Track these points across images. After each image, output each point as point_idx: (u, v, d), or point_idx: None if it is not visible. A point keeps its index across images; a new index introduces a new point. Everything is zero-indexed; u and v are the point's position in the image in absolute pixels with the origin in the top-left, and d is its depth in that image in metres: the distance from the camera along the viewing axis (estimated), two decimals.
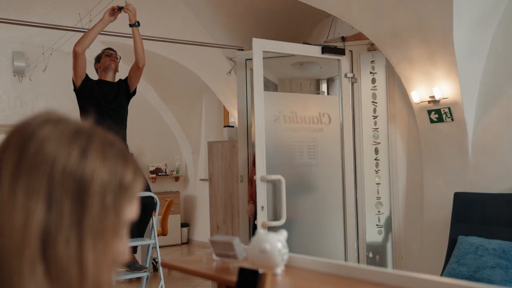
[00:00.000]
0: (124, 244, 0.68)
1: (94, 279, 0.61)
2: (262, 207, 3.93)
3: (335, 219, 4.45)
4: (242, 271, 1.30)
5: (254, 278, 1.26)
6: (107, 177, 0.63)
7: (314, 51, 4.39)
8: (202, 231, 8.15)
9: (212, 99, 7.73)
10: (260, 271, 1.26)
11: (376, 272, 1.30)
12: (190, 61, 6.39)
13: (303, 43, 4.49)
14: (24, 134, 0.62)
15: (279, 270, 1.41)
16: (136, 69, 3.94)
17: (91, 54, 4.31)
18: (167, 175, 8.66)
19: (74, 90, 3.86)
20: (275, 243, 1.39)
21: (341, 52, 4.43)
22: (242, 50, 4.95)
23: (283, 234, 1.44)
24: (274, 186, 4.18)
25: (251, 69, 4.65)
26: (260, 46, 4.21)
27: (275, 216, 4.07)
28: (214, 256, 1.65)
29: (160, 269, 3.96)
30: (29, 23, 4.42)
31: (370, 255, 4.37)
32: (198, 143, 8.45)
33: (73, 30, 4.59)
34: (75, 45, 3.66)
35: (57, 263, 0.59)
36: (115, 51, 4.04)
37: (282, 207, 3.93)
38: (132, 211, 0.68)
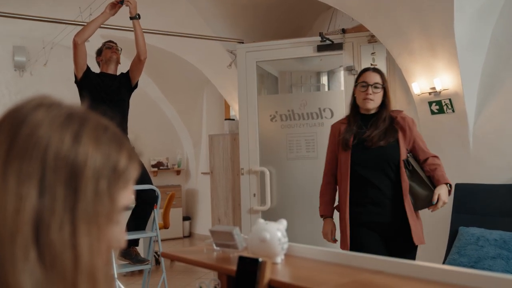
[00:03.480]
0: (119, 230, 0.67)
1: (88, 265, 0.61)
2: (254, 194, 4.59)
3: None
4: (242, 260, 1.31)
5: (253, 266, 1.27)
6: (100, 162, 0.62)
7: (308, 51, 4.46)
8: (204, 224, 8.17)
9: (213, 92, 7.72)
10: (260, 259, 1.26)
11: (375, 260, 1.30)
12: (191, 55, 6.39)
13: (320, 33, 4.46)
14: (16, 119, 0.62)
15: (279, 259, 1.42)
16: (138, 62, 3.94)
17: (92, 48, 4.31)
18: (169, 168, 8.68)
19: (75, 81, 3.87)
20: (275, 232, 1.40)
21: (338, 47, 4.42)
22: (243, 43, 4.95)
23: (283, 223, 1.45)
24: (271, 176, 4.63)
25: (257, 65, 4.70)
26: (254, 58, 4.54)
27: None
28: (215, 246, 1.65)
29: (162, 261, 3.97)
30: (30, 17, 4.42)
31: None
32: (200, 137, 8.46)
33: (73, 24, 4.59)
34: (75, 35, 3.67)
35: (51, 248, 0.58)
36: (115, 43, 4.04)
37: (267, 195, 4.55)
38: (127, 197, 0.67)
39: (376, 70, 2.78)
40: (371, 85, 2.68)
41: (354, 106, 2.77)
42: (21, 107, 0.64)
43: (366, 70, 2.80)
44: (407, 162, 2.67)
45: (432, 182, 2.68)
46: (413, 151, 2.74)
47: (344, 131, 2.75)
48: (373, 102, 2.68)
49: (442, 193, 2.60)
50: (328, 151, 2.88)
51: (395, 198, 2.63)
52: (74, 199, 0.60)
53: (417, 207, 2.67)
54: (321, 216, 2.87)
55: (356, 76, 4.44)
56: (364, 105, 2.70)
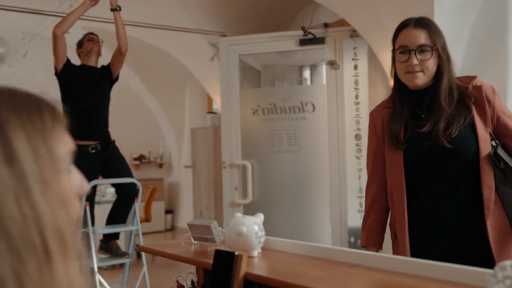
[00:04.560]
0: (75, 177, 0.69)
1: (52, 222, 0.62)
2: (236, 188, 4.57)
3: (321, 204, 4.51)
4: (218, 254, 1.31)
5: (230, 260, 1.27)
6: (28, 127, 0.64)
7: (290, 45, 4.50)
8: (186, 218, 8.16)
9: (196, 86, 7.70)
10: (236, 253, 1.27)
11: (351, 254, 1.32)
12: (173, 48, 6.35)
13: (302, 28, 4.47)
14: None
15: (256, 252, 1.43)
16: (119, 54, 3.92)
17: (72, 39, 4.27)
18: (151, 162, 8.64)
19: (55, 74, 3.84)
20: (252, 226, 1.41)
21: (320, 41, 4.44)
22: (225, 36, 4.94)
23: (260, 217, 1.46)
24: (253, 170, 4.62)
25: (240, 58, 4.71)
26: (236, 51, 4.57)
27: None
28: (193, 240, 1.66)
29: (143, 255, 3.96)
30: (9, 8, 4.35)
31: (352, 239, 4.42)
32: (182, 130, 8.44)
33: (53, 15, 4.53)
34: (55, 27, 3.65)
35: (13, 224, 0.59)
36: (96, 35, 4.01)
37: (248, 188, 4.55)
38: (66, 143, 0.68)
39: (420, 24, 1.79)
40: (415, 51, 1.75)
41: (398, 81, 1.86)
42: None
43: (404, 26, 1.82)
44: (495, 157, 1.73)
45: None
46: (499, 135, 1.79)
47: (389, 120, 1.86)
48: (423, 75, 1.77)
49: None
50: (369, 152, 1.99)
51: (474, 215, 1.73)
52: (19, 172, 0.61)
53: None
54: (362, 247, 1.90)
55: (337, 70, 4.50)
56: (409, 82, 1.80)
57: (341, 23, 4.42)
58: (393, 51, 1.83)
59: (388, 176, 1.87)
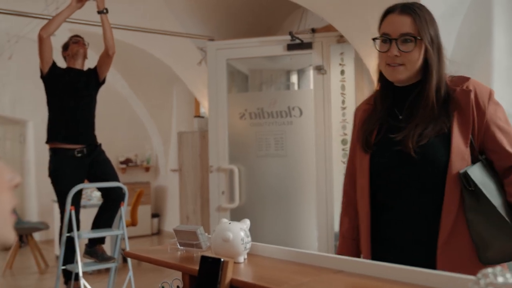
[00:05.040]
0: (2, 168, 0.68)
1: None
2: (223, 192, 4.56)
3: (308, 208, 4.52)
4: (204, 260, 1.31)
5: (215, 266, 1.27)
6: None
7: (278, 50, 4.52)
8: (172, 222, 8.13)
9: (183, 89, 7.69)
10: (222, 259, 1.27)
11: (336, 260, 1.32)
12: (161, 51, 6.34)
13: (290, 33, 4.49)
14: None
15: (242, 258, 1.43)
16: (106, 57, 3.91)
17: (58, 42, 4.24)
18: (138, 165, 8.60)
19: (41, 77, 3.81)
20: (238, 232, 1.41)
21: (308, 46, 4.47)
22: (213, 40, 4.94)
23: (246, 223, 1.46)
24: (240, 174, 4.62)
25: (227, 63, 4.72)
26: (224, 56, 4.59)
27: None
28: (179, 246, 1.65)
29: (129, 260, 3.94)
30: None
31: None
32: (169, 134, 8.41)
33: (39, 18, 4.50)
34: (41, 29, 3.64)
35: None
36: (82, 38, 4.00)
37: (235, 192, 4.55)
38: None
39: (406, 10, 1.55)
40: (396, 40, 1.52)
41: (383, 75, 1.62)
42: None
43: (389, 11, 1.58)
44: (464, 178, 1.46)
45: None
46: (487, 149, 1.53)
47: (366, 118, 1.67)
48: (404, 68, 1.54)
49: None
50: (350, 150, 1.78)
51: (434, 240, 1.50)
52: None
53: (487, 259, 1.45)
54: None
55: (324, 75, 4.52)
56: (389, 76, 1.57)
57: (329, 28, 4.45)
58: (374, 39, 1.59)
59: (357, 184, 1.67)
